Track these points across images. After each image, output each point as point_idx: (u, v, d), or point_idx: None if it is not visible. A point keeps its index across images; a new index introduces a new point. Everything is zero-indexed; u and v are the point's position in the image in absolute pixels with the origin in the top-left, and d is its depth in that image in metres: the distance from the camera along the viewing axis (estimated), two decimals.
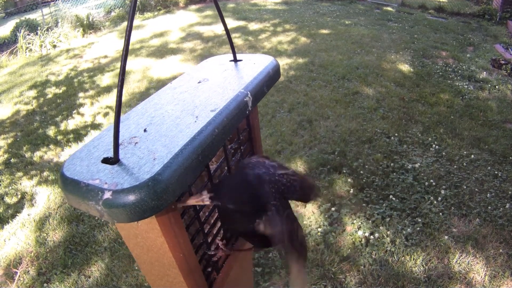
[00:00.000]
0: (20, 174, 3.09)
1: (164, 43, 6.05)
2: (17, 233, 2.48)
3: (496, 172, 2.71)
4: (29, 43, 6.52)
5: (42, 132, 3.73)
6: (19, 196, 2.83)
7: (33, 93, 4.73)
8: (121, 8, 8.49)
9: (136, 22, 7.58)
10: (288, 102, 3.79)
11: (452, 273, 1.98)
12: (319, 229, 2.26)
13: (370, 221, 2.31)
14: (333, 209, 2.41)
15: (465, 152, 2.94)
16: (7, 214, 2.65)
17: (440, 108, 3.62)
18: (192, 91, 0.72)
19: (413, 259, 2.06)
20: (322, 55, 4.99)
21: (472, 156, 2.90)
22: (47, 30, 6.97)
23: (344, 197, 2.52)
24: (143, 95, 4.23)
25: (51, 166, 3.15)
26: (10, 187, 2.93)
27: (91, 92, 4.52)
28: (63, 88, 4.75)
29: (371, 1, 8.19)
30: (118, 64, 5.35)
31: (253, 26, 6.60)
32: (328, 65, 4.62)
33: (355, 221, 2.31)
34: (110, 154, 0.52)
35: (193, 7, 8.55)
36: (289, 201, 0.69)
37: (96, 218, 2.45)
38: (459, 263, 2.04)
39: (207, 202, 0.58)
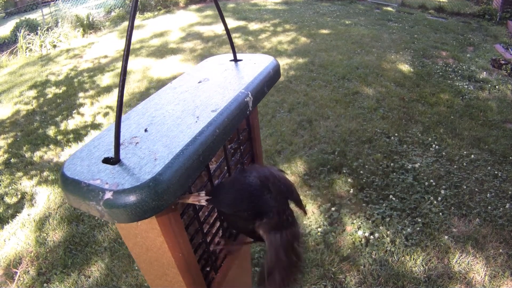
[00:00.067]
0: (20, 174, 3.09)
1: (164, 43, 6.05)
2: (17, 233, 2.48)
3: (496, 172, 2.71)
4: (29, 43, 6.52)
5: (42, 132, 3.73)
6: (19, 196, 2.83)
7: (33, 93, 4.73)
8: (121, 8, 8.49)
9: (136, 22, 7.58)
10: (288, 102, 3.79)
11: (452, 273, 1.98)
12: (319, 229, 2.26)
13: (370, 221, 2.31)
14: (333, 209, 2.41)
15: (465, 152, 2.94)
16: (7, 214, 2.65)
17: (440, 108, 3.62)
18: (192, 91, 0.72)
19: (413, 259, 2.06)
20: (322, 55, 4.99)
21: (472, 156, 2.90)
22: (47, 30, 6.97)
23: (344, 197, 2.52)
24: (143, 95, 4.23)
25: (51, 166, 3.15)
26: (10, 187, 2.93)
27: (91, 92, 4.52)
28: (63, 88, 4.75)
29: (371, 1, 8.19)
30: (118, 64, 5.37)
31: (253, 26, 6.60)
32: (328, 65, 4.62)
33: (355, 221, 2.31)
34: (111, 154, 0.52)
35: (193, 7, 8.55)
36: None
37: (96, 218, 2.45)
38: (459, 263, 2.04)
39: (204, 203, 0.58)
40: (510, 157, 2.87)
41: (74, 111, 4.08)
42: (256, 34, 6.09)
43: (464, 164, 2.81)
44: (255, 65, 0.80)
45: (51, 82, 5.02)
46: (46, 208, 2.66)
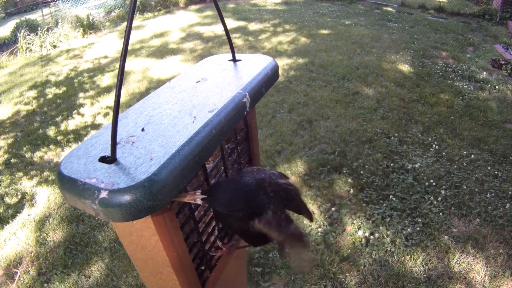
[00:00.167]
0: (20, 174, 3.09)
1: (164, 43, 6.05)
2: (17, 233, 2.48)
3: (496, 172, 2.71)
4: (29, 44, 6.52)
5: (42, 132, 3.74)
6: (19, 196, 2.83)
7: (33, 93, 4.73)
8: (121, 8, 8.50)
9: (136, 22, 7.59)
10: (288, 102, 3.79)
11: (452, 273, 1.98)
12: (319, 229, 2.26)
13: (370, 221, 2.31)
14: (333, 209, 2.41)
15: (465, 152, 2.94)
16: (7, 214, 2.65)
17: (440, 108, 3.62)
18: (190, 91, 0.72)
19: (413, 259, 2.06)
20: (322, 55, 4.99)
21: (472, 156, 2.90)
22: (47, 30, 6.98)
23: (344, 197, 2.52)
24: (143, 96, 4.23)
25: (51, 167, 3.15)
26: (10, 187, 2.93)
27: (91, 93, 4.52)
28: (63, 89, 4.75)
29: (371, 1, 8.20)
30: (118, 65, 5.31)
31: (253, 26, 6.60)
32: (328, 65, 4.62)
33: (355, 221, 2.31)
34: (108, 152, 0.52)
35: (193, 7, 8.56)
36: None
37: (96, 218, 2.45)
38: (459, 263, 2.04)
39: (199, 202, 0.58)
40: (510, 157, 2.87)
41: (74, 112, 4.08)
42: (256, 35, 6.09)
43: (464, 164, 2.81)
44: (253, 66, 0.80)
45: (51, 82, 5.02)
46: (46, 208, 2.66)
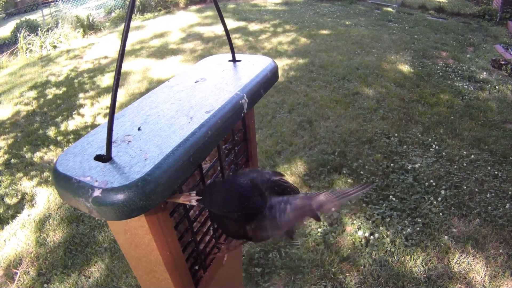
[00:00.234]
0: (20, 174, 3.10)
1: (164, 43, 6.06)
2: (17, 233, 2.48)
3: (496, 173, 2.71)
4: (29, 44, 6.52)
5: (42, 132, 3.74)
6: (19, 197, 2.83)
7: (33, 93, 4.74)
8: (121, 8, 8.50)
9: (136, 22, 7.59)
10: (288, 103, 3.79)
11: (452, 273, 1.98)
12: (319, 230, 2.26)
13: (370, 221, 2.31)
14: (333, 209, 2.40)
15: (465, 153, 2.94)
16: (7, 215, 2.65)
17: (440, 109, 3.62)
18: (188, 91, 0.72)
19: (413, 259, 2.06)
20: (322, 55, 5.00)
21: (472, 156, 2.90)
22: (48, 30, 6.98)
23: None
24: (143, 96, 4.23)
25: (51, 167, 3.15)
26: (10, 188, 2.93)
27: (91, 93, 4.52)
28: (63, 89, 4.75)
29: (371, 2, 8.20)
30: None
31: (254, 26, 6.60)
32: (328, 65, 4.62)
33: (355, 222, 2.31)
34: (104, 151, 0.53)
35: (193, 7, 8.56)
36: None
37: (97, 218, 2.45)
38: (459, 263, 2.04)
39: (194, 204, 0.58)
40: (510, 158, 2.87)
41: (74, 112, 4.09)
42: (256, 35, 6.10)
43: (464, 164, 2.81)
44: (253, 67, 0.80)
45: (51, 82, 5.03)
46: (46, 209, 2.66)
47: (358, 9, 7.75)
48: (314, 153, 2.98)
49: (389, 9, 7.64)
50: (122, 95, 4.34)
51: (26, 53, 6.43)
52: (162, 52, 5.63)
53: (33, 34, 6.67)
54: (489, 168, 2.76)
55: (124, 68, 5.15)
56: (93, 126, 3.76)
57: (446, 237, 2.19)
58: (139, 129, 0.59)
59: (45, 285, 2.09)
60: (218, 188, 0.61)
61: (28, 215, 2.63)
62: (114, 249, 2.26)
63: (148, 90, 4.35)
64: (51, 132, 3.73)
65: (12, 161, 3.32)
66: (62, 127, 3.81)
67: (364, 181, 2.65)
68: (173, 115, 0.63)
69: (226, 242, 0.85)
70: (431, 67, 4.54)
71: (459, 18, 6.92)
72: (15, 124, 4.02)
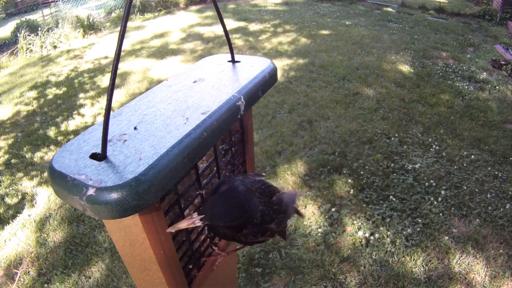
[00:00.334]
0: (20, 174, 3.10)
1: (164, 43, 6.06)
2: (18, 233, 2.48)
3: (496, 173, 2.71)
4: (29, 44, 6.52)
5: (42, 132, 3.74)
6: (20, 197, 2.83)
7: (33, 93, 4.74)
8: (121, 9, 8.50)
9: (136, 22, 7.60)
10: (289, 103, 3.79)
11: (452, 274, 1.98)
12: (319, 230, 2.26)
13: (370, 222, 2.31)
14: (333, 209, 2.41)
15: (465, 153, 2.95)
16: (7, 215, 2.65)
17: (440, 109, 3.62)
18: (186, 91, 0.72)
19: (413, 259, 2.06)
20: (322, 55, 5.00)
21: (472, 156, 2.90)
22: (48, 30, 6.98)
23: (344, 197, 2.52)
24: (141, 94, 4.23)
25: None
26: (11, 188, 2.93)
27: (91, 93, 4.52)
28: (64, 89, 4.76)
29: (371, 2, 8.20)
30: (119, 65, 5.31)
31: (254, 27, 6.60)
32: (328, 65, 4.63)
33: (355, 222, 2.31)
34: (99, 149, 0.53)
35: (194, 7, 8.56)
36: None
37: (97, 219, 2.45)
38: (459, 263, 2.04)
39: (199, 224, 0.59)
40: (510, 158, 2.87)
41: (75, 112, 4.09)
42: (256, 35, 6.10)
43: (464, 164, 2.81)
44: (251, 68, 0.80)
45: (51, 83, 5.03)
46: (46, 209, 2.66)
47: (358, 9, 7.75)
48: (314, 153, 2.98)
49: (389, 9, 7.64)
50: (122, 95, 4.35)
51: (26, 53, 6.43)
52: (162, 52, 5.64)
53: (33, 34, 6.67)
54: (489, 168, 2.76)
55: (124, 68, 5.15)
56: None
57: (446, 238, 2.19)
58: (135, 128, 0.59)
59: (46, 285, 2.09)
60: (215, 200, 0.61)
61: (29, 215, 2.63)
62: (115, 249, 2.26)
63: (148, 90, 4.35)
64: (52, 132, 3.73)
65: (13, 161, 3.32)
66: (63, 127, 3.81)
67: (364, 181, 2.65)
68: (170, 115, 0.63)
69: (220, 243, 0.85)
70: (431, 67, 4.54)
71: (459, 18, 6.92)
72: (15, 124, 4.03)
